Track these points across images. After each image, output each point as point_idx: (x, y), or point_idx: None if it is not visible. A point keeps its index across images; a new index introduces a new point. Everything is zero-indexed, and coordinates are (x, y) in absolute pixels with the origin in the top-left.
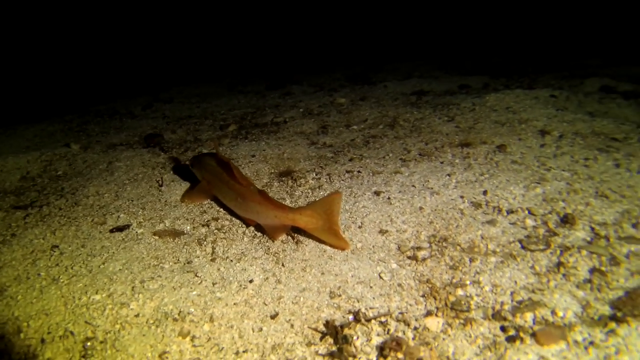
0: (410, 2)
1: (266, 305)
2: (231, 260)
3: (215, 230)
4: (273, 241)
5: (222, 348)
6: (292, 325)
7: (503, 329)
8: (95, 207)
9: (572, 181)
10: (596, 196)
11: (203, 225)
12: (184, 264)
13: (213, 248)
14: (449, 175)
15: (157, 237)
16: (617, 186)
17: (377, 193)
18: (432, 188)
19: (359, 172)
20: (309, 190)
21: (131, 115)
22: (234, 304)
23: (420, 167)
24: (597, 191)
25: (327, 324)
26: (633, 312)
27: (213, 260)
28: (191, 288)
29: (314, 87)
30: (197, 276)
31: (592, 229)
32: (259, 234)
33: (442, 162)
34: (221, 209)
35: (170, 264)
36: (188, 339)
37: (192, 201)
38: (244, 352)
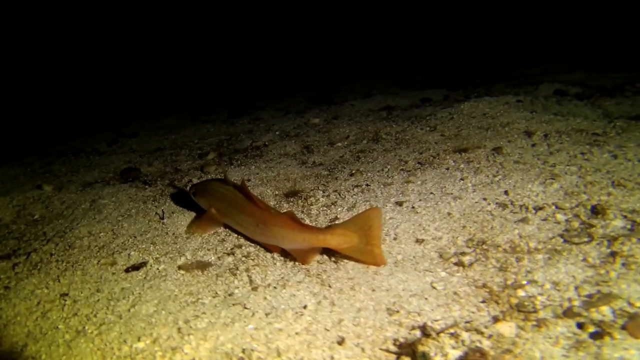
0: (357, 25)
1: (328, 330)
2: (275, 288)
3: (243, 258)
4: (304, 264)
5: None
6: (362, 350)
7: (580, 325)
8: (94, 248)
9: (582, 174)
10: (614, 186)
11: (228, 254)
12: (225, 296)
13: (249, 277)
14: (462, 179)
15: (183, 272)
16: (628, 175)
17: (399, 203)
18: (452, 193)
19: (367, 185)
20: (325, 208)
21: (97, 152)
22: (296, 333)
23: (429, 175)
24: (612, 181)
25: (399, 343)
26: None
27: (255, 289)
28: (245, 322)
29: (280, 111)
30: (246, 308)
31: (625, 217)
32: (290, 256)
33: (447, 169)
34: (240, 236)
35: (210, 298)
36: None
37: (202, 232)
38: None
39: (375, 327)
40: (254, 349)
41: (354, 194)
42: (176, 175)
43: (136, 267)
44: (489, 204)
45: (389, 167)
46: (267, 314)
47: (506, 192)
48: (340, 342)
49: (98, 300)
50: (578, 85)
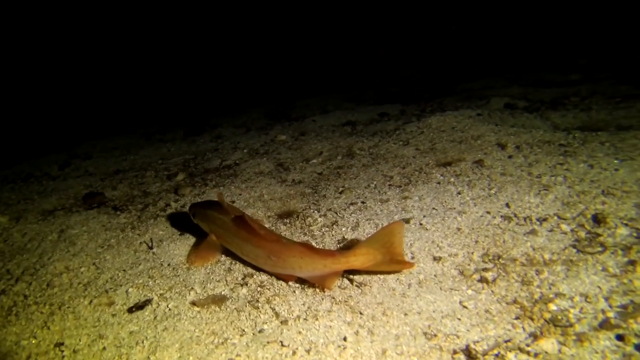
0: (305, 42)
1: (359, 354)
2: (305, 320)
3: (259, 288)
4: (324, 291)
5: None
6: None
7: (620, 338)
8: (78, 286)
9: (570, 184)
10: (605, 195)
11: (241, 285)
12: (255, 333)
13: (273, 309)
14: (459, 193)
15: (198, 308)
16: (612, 184)
17: (405, 221)
18: (454, 208)
19: (363, 202)
20: (327, 229)
21: (50, 177)
22: None
23: (423, 190)
24: (602, 191)
25: None
26: None
27: (284, 323)
28: (288, 359)
29: (240, 128)
30: (284, 346)
31: (626, 225)
32: (306, 283)
33: (438, 183)
34: (246, 264)
35: (238, 337)
36: None
37: (203, 261)
38: None
39: (419, 354)
40: None
41: (352, 212)
42: (146, 198)
43: (140, 306)
44: (494, 217)
45: (374, 183)
46: (307, 351)
47: (507, 205)
48: None
49: (104, 348)
50: (523, 99)
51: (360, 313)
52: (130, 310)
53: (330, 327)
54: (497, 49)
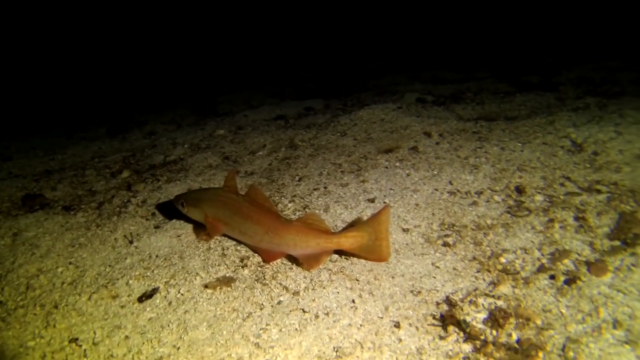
0: (223, 40)
1: (382, 318)
2: (314, 290)
3: (259, 269)
4: (309, 270)
5: None
6: (417, 328)
7: (552, 277)
8: (64, 286)
9: (493, 164)
10: (520, 170)
11: (242, 267)
12: (274, 305)
13: (281, 284)
14: (408, 175)
15: (211, 290)
16: (522, 162)
17: (370, 200)
18: (408, 187)
19: (325, 188)
20: (300, 212)
21: None
22: (361, 325)
23: (376, 175)
24: (517, 167)
25: (438, 316)
26: (634, 239)
27: (297, 294)
28: (314, 324)
29: (171, 124)
30: (306, 311)
31: (540, 192)
32: (296, 261)
33: (386, 168)
34: (239, 246)
35: (259, 310)
36: None
37: (209, 238)
38: None
39: (412, 307)
40: (341, 346)
41: (318, 197)
42: (95, 197)
43: (149, 295)
44: (442, 193)
45: (326, 170)
46: (326, 314)
47: (450, 182)
48: (397, 325)
49: (127, 337)
50: (429, 94)
51: (357, 280)
52: (140, 300)
53: (338, 292)
54: (396, 49)
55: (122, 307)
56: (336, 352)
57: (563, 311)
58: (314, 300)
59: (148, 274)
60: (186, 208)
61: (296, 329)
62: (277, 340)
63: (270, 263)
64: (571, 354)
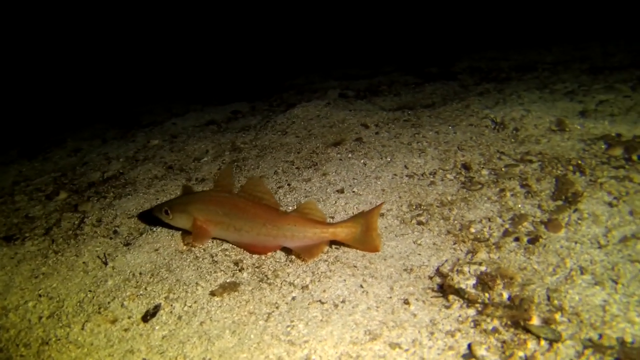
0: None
1: (391, 298)
2: (320, 281)
3: (257, 269)
4: (306, 262)
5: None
6: (424, 302)
7: (517, 239)
8: (45, 320)
9: (435, 146)
10: (460, 150)
11: (239, 270)
12: (289, 302)
13: (286, 280)
14: (364, 164)
15: (219, 297)
16: (459, 142)
17: (340, 191)
18: (370, 175)
19: (289, 185)
20: None
21: None
22: (377, 307)
23: (334, 167)
24: (458, 147)
25: (436, 288)
26: (574, 197)
27: (306, 288)
28: (338, 313)
29: (95, 139)
30: (323, 302)
31: (483, 167)
32: (292, 254)
33: (341, 160)
34: (227, 251)
35: (277, 309)
36: (397, 349)
37: (202, 241)
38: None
39: (411, 284)
40: (372, 330)
41: (285, 193)
42: (37, 222)
43: (153, 313)
44: (402, 177)
45: (281, 168)
46: (343, 302)
47: (406, 167)
48: (406, 302)
49: (146, 358)
50: (348, 89)
51: (355, 266)
52: (145, 320)
53: (344, 280)
54: (301, 50)
55: (126, 330)
56: (368, 335)
57: (535, 267)
58: (324, 291)
59: (141, 292)
60: (171, 215)
61: (321, 320)
62: (308, 334)
63: (265, 260)
64: (556, 302)
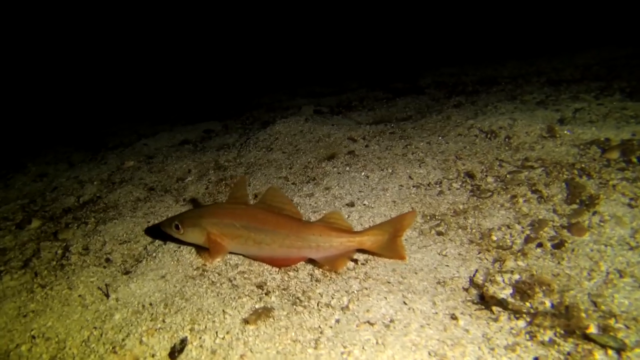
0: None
1: (437, 313)
2: (359, 300)
3: (284, 291)
4: (336, 272)
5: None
6: (470, 315)
7: (540, 245)
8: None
9: (432, 156)
10: (459, 159)
11: (266, 294)
12: (333, 326)
13: (321, 302)
14: (367, 177)
15: (255, 325)
16: (455, 151)
17: (350, 204)
18: (376, 188)
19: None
20: None
21: None
22: (428, 325)
23: (336, 180)
24: (456, 156)
25: (476, 300)
26: (590, 200)
27: (346, 309)
28: (391, 334)
29: (59, 164)
30: (372, 323)
31: (487, 174)
32: (317, 272)
33: (339, 173)
34: (245, 274)
35: (321, 334)
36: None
37: (219, 255)
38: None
39: (450, 298)
40: (435, 350)
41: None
42: (9, 254)
43: (180, 349)
44: (409, 188)
45: (275, 184)
46: (392, 321)
47: (410, 177)
48: (454, 317)
49: None
50: (320, 106)
51: (389, 282)
52: (172, 357)
53: (385, 297)
54: (263, 70)
55: None
56: (434, 356)
57: (568, 272)
58: (368, 311)
59: (159, 325)
60: (182, 230)
61: (376, 343)
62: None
63: (290, 281)
64: (603, 307)
